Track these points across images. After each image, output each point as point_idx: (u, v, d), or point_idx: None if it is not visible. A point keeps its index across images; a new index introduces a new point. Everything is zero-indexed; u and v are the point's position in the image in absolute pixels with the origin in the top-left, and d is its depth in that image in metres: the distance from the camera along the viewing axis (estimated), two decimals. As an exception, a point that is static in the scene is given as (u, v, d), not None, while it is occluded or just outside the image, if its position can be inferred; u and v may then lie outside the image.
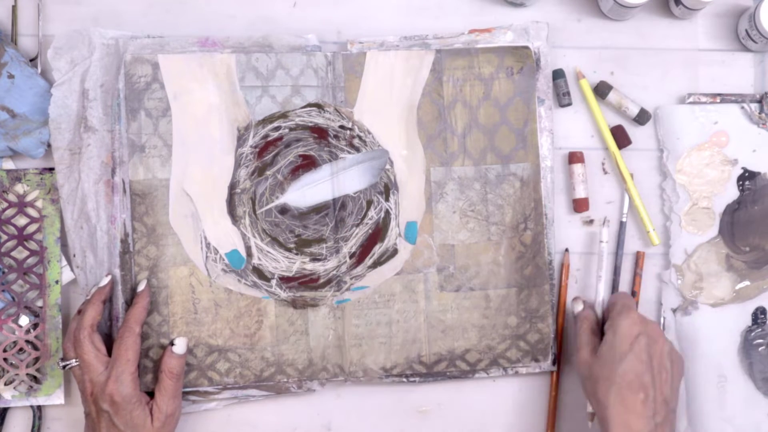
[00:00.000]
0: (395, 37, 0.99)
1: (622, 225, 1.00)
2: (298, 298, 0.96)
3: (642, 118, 1.01)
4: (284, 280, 0.96)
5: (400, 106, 0.98)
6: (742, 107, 1.00)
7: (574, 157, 1.00)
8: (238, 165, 0.96)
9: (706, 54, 1.02)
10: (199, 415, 0.98)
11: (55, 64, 0.95)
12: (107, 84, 0.95)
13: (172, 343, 0.92)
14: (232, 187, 0.96)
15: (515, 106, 0.99)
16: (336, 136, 0.97)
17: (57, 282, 0.96)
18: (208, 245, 0.95)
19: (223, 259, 0.95)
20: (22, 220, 0.96)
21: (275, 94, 0.97)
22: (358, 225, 0.97)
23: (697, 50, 1.02)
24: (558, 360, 0.99)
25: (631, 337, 0.88)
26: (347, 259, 0.97)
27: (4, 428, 0.97)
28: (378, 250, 0.97)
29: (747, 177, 1.00)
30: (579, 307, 0.95)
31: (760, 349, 1.00)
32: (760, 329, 1.00)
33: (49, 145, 0.96)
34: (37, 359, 0.95)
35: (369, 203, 0.97)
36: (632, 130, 1.01)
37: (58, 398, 0.96)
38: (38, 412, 0.97)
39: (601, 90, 1.00)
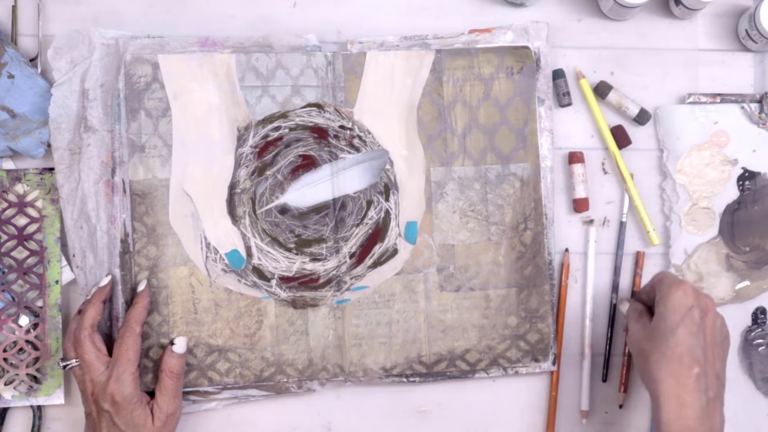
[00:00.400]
0: (395, 37, 0.99)
1: (622, 225, 1.01)
2: (298, 298, 0.96)
3: (642, 118, 1.01)
4: (284, 280, 0.96)
5: (400, 106, 0.98)
6: (742, 107, 1.00)
7: (574, 157, 1.00)
8: (238, 165, 0.96)
9: (706, 54, 1.03)
10: (199, 415, 0.98)
11: (55, 64, 0.95)
12: (107, 84, 0.95)
13: (172, 343, 0.92)
14: (232, 187, 0.96)
15: (515, 106, 0.99)
16: (336, 136, 0.97)
17: (57, 282, 0.96)
18: (208, 245, 0.95)
19: (223, 259, 0.95)
20: (22, 220, 0.96)
21: (275, 94, 0.97)
22: (358, 225, 0.97)
23: (697, 50, 1.02)
24: (558, 360, 0.99)
25: (683, 309, 0.86)
26: (347, 259, 0.97)
27: (4, 428, 0.97)
28: (378, 250, 0.97)
29: (747, 177, 1.00)
30: (626, 306, 0.95)
31: (760, 349, 1.00)
32: (760, 329, 1.00)
33: (49, 145, 0.96)
34: (37, 359, 0.95)
35: (369, 203, 0.97)
36: (632, 130, 1.01)
37: (58, 398, 0.96)
38: (38, 412, 0.97)
39: (601, 90, 1.00)
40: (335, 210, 0.97)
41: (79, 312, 0.92)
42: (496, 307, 0.98)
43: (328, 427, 0.99)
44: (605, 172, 1.01)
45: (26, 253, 0.96)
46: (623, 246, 1.00)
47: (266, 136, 0.96)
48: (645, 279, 1.00)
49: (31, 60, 0.98)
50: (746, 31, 1.00)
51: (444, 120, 0.98)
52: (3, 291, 0.96)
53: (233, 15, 1.00)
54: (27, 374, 0.95)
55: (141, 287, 0.93)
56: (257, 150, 0.96)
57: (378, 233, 0.97)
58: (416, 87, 0.98)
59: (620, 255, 1.00)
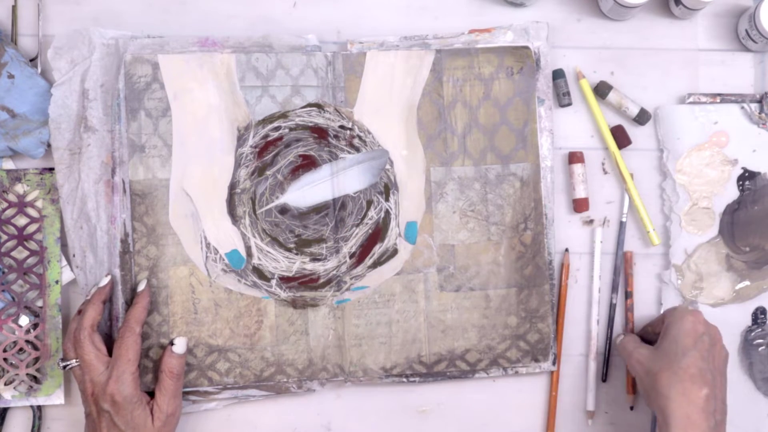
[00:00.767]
0: (395, 37, 0.99)
1: (622, 225, 1.01)
2: (298, 298, 0.96)
3: (642, 118, 1.01)
4: (284, 280, 0.96)
5: (400, 106, 0.98)
6: (742, 107, 1.00)
7: (574, 157, 1.00)
8: (238, 165, 0.96)
9: (706, 54, 1.02)
10: (199, 415, 0.98)
11: (55, 64, 0.95)
12: (107, 84, 0.95)
13: (171, 343, 0.92)
14: (232, 187, 0.96)
15: (515, 106, 0.99)
16: (336, 136, 0.97)
17: (57, 282, 0.96)
18: (208, 245, 0.95)
19: (223, 259, 0.95)
20: (22, 220, 0.96)
21: (275, 94, 0.97)
22: (358, 225, 0.97)
23: (697, 50, 1.02)
24: (558, 360, 0.99)
25: (695, 334, 0.89)
26: (347, 259, 0.97)
27: (4, 428, 0.97)
28: (378, 250, 0.97)
29: (747, 177, 1.00)
30: (620, 338, 0.97)
31: (760, 349, 1.00)
32: (760, 329, 1.00)
33: (49, 145, 0.96)
34: (37, 359, 0.95)
35: (369, 203, 0.97)
36: (632, 130, 1.01)
37: (58, 398, 0.96)
38: (38, 412, 0.97)
39: (601, 90, 1.00)
40: (335, 210, 0.97)
41: (79, 312, 0.92)
42: (496, 307, 0.98)
43: (328, 427, 0.99)
44: (605, 172, 1.01)
45: (26, 253, 0.96)
46: (623, 246, 1.00)
47: (266, 136, 0.96)
48: (645, 279, 1.00)
49: (31, 60, 0.98)
50: (746, 31, 1.00)
51: (444, 120, 0.98)
52: (3, 291, 0.96)
53: (233, 15, 1.00)
54: (27, 374, 0.95)
55: (141, 287, 0.93)
56: (257, 150, 0.96)
57: (378, 233, 0.97)
58: (416, 87, 0.98)
59: (620, 255, 1.00)
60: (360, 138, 0.97)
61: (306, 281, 0.96)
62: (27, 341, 0.95)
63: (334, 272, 0.96)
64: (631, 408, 0.99)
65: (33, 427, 0.97)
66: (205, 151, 0.95)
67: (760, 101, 1.00)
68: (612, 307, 1.00)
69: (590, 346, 1.00)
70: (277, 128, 0.97)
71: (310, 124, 0.97)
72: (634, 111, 1.00)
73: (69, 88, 0.95)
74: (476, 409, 1.00)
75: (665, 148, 1.00)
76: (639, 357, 0.91)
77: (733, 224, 1.00)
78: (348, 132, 0.97)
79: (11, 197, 0.96)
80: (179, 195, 0.95)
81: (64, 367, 0.91)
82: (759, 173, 1.00)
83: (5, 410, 0.97)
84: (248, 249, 0.96)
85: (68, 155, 0.95)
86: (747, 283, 1.00)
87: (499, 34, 1.00)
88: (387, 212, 0.97)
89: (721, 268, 1.00)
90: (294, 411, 0.99)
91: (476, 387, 0.99)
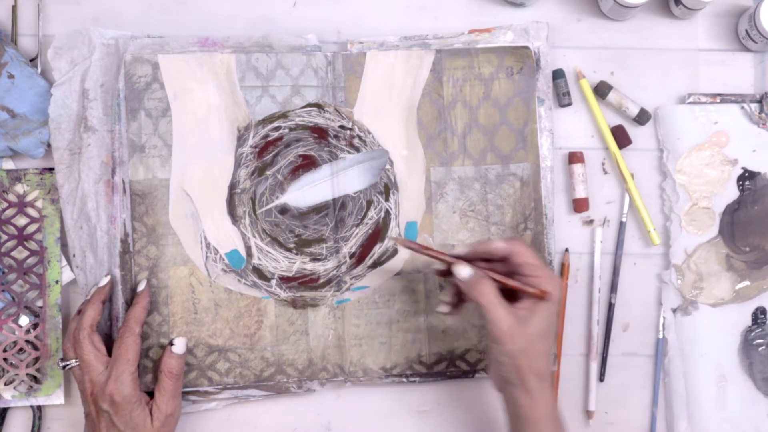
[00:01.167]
0: (395, 37, 0.99)
1: (622, 225, 1.01)
2: (298, 298, 0.96)
3: (642, 118, 1.01)
4: (284, 280, 0.96)
5: (400, 106, 0.98)
6: (742, 107, 1.00)
7: (574, 157, 1.00)
8: (238, 165, 0.96)
9: (706, 54, 1.02)
10: (199, 415, 0.98)
11: (55, 64, 0.95)
12: (107, 84, 0.95)
13: (171, 343, 0.92)
14: (232, 187, 0.96)
15: (515, 106, 0.99)
16: (336, 136, 0.97)
17: (57, 282, 0.96)
18: (208, 245, 0.95)
19: (223, 259, 0.95)
20: (22, 220, 0.96)
21: (275, 94, 0.97)
22: (358, 225, 0.97)
23: (697, 50, 1.02)
24: (558, 360, 0.99)
25: (557, 312, 0.88)
26: (347, 259, 0.97)
27: (4, 428, 0.97)
28: (378, 250, 0.97)
29: (747, 177, 1.00)
30: (467, 271, 0.86)
31: (760, 349, 1.00)
32: (760, 329, 1.00)
33: (49, 145, 0.96)
34: (37, 359, 0.95)
35: (369, 203, 0.97)
36: (632, 130, 1.01)
37: (58, 398, 0.96)
38: (38, 412, 0.97)
39: (601, 90, 1.00)
40: (335, 210, 0.97)
41: (79, 312, 0.92)
42: (496, 307, 0.98)
43: (328, 427, 0.99)
44: (605, 172, 1.01)
45: (26, 253, 0.96)
46: (623, 246, 1.00)
47: (266, 136, 0.96)
48: (645, 279, 1.00)
49: (31, 60, 0.98)
50: (746, 31, 1.00)
51: (444, 120, 0.98)
52: (3, 291, 0.96)
53: (233, 15, 1.00)
54: (27, 374, 0.95)
55: (141, 287, 0.93)
56: (257, 150, 0.96)
57: (378, 233, 0.97)
58: (416, 87, 0.98)
59: (620, 255, 1.00)
60: (360, 138, 0.97)
61: (306, 281, 0.96)
62: (27, 341, 0.95)
63: (334, 272, 0.96)
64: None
65: (33, 427, 0.97)
66: (205, 151, 0.95)
67: (760, 101, 1.00)
68: (612, 307, 1.00)
69: (590, 346, 1.00)
70: (277, 128, 0.97)
71: (310, 124, 0.97)
72: (634, 111, 1.00)
73: (69, 88, 0.95)
74: (476, 409, 1.00)
75: (665, 148, 1.00)
76: (504, 325, 0.83)
77: (733, 224, 1.00)
78: (348, 132, 0.97)
79: (11, 197, 0.96)
80: (179, 195, 0.95)
81: (64, 367, 0.91)
82: (759, 173, 1.00)
83: (5, 410, 0.97)
84: (248, 249, 0.96)
85: (68, 155, 0.95)
86: (747, 283, 1.00)
87: (499, 34, 1.00)
88: (387, 212, 0.97)
89: (721, 268, 1.00)
90: (294, 411, 0.99)
91: (476, 387, 0.99)
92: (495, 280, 0.85)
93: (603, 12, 1.01)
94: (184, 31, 0.99)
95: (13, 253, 0.96)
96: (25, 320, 0.96)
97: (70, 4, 0.99)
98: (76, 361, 0.91)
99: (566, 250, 1.00)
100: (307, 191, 0.96)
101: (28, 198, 0.96)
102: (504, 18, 1.01)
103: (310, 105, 0.97)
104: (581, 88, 1.01)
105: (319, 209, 0.96)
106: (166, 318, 0.94)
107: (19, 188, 0.96)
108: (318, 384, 0.97)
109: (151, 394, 0.91)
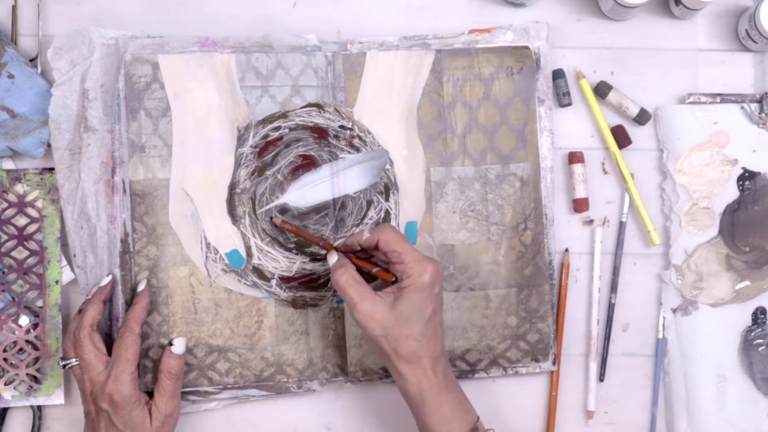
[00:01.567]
0: (395, 37, 0.99)
1: (622, 225, 1.01)
2: (298, 298, 0.96)
3: (642, 118, 1.01)
4: (284, 280, 0.96)
5: (400, 106, 0.98)
6: (742, 107, 1.00)
7: (574, 157, 1.00)
8: (238, 165, 0.96)
9: (706, 54, 1.02)
10: (199, 415, 0.98)
11: (55, 64, 0.95)
12: (107, 84, 0.95)
13: (170, 343, 0.92)
14: (232, 187, 0.96)
15: (515, 106, 0.99)
16: (336, 136, 0.97)
17: (57, 282, 0.96)
18: (208, 245, 0.95)
19: (223, 259, 0.95)
20: (22, 220, 0.96)
21: (275, 94, 0.97)
22: (358, 225, 0.97)
23: (697, 50, 1.02)
24: (558, 360, 0.99)
25: (433, 295, 0.86)
26: (347, 259, 0.97)
27: (4, 428, 0.97)
28: (378, 250, 0.97)
29: (747, 177, 1.00)
30: (334, 259, 0.90)
31: (760, 349, 1.00)
32: (760, 329, 1.00)
33: (49, 145, 0.96)
34: (37, 359, 0.95)
35: (369, 203, 0.97)
36: (632, 130, 1.01)
37: (58, 398, 0.96)
38: (38, 412, 0.97)
39: (601, 90, 1.00)
40: (335, 210, 0.97)
41: (79, 312, 0.92)
42: (496, 307, 0.98)
43: (328, 427, 0.99)
44: (605, 172, 1.01)
45: (26, 253, 0.96)
46: (623, 246, 1.00)
47: (266, 136, 0.96)
48: (645, 279, 1.00)
49: (31, 60, 0.98)
50: (746, 31, 1.00)
51: (444, 120, 0.98)
52: (3, 291, 0.96)
53: (233, 15, 1.00)
54: (27, 374, 0.95)
55: (141, 287, 0.93)
56: (257, 150, 0.96)
57: (378, 233, 0.97)
58: (416, 87, 0.98)
59: (620, 255, 1.00)
60: (360, 138, 0.97)
61: (306, 281, 0.96)
62: (27, 341, 0.95)
63: (334, 272, 0.96)
64: None
65: (33, 427, 0.97)
66: (205, 151, 0.95)
67: (760, 101, 1.00)
68: (612, 307, 1.00)
69: (590, 346, 1.00)
70: (277, 128, 0.97)
71: (310, 124, 0.97)
72: (634, 111, 1.00)
73: (69, 88, 0.95)
74: (476, 409, 1.00)
75: (665, 148, 1.00)
76: (374, 313, 0.85)
77: (733, 224, 1.00)
78: (348, 132, 0.97)
79: (11, 197, 0.96)
80: (179, 195, 0.95)
81: (64, 366, 0.91)
82: (759, 173, 1.00)
83: (5, 410, 0.97)
84: (248, 249, 0.96)
85: (68, 155, 0.95)
86: (747, 283, 1.00)
87: (499, 34, 1.00)
88: (387, 212, 0.97)
89: (721, 268, 1.00)
90: (294, 411, 0.99)
91: (476, 387, 0.99)
92: (357, 266, 0.89)
93: (603, 12, 1.01)
94: (184, 31, 0.99)
95: (13, 253, 0.96)
96: (25, 320, 0.96)
97: (70, 4, 0.99)
98: (76, 361, 0.91)
99: (566, 250, 1.00)
100: (307, 191, 0.96)
101: (28, 198, 0.96)
102: (504, 18, 1.01)
103: (310, 105, 0.97)
104: (581, 88, 1.01)
105: (319, 209, 0.96)
106: (166, 318, 0.94)
107: (19, 188, 0.96)
108: (318, 384, 0.97)
109: (150, 394, 0.91)
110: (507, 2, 1.01)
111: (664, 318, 1.00)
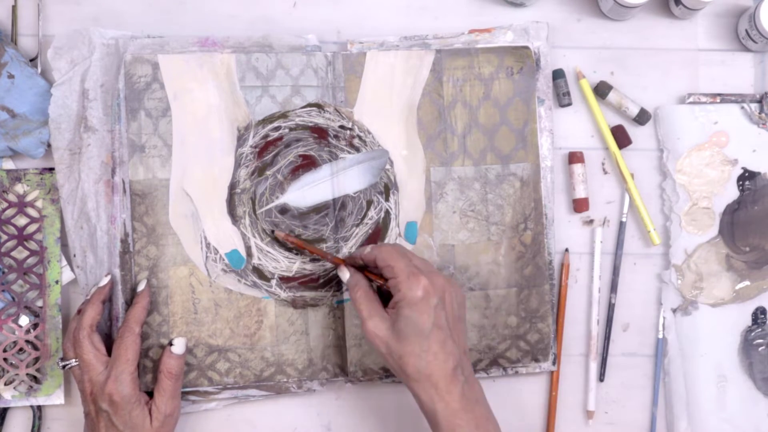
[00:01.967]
0: (395, 37, 0.99)
1: (622, 225, 1.01)
2: (298, 298, 0.96)
3: (642, 118, 1.01)
4: (284, 280, 0.96)
5: (400, 106, 0.98)
6: (742, 107, 1.00)
7: (574, 157, 1.00)
8: (238, 165, 0.96)
9: (706, 54, 1.02)
10: (199, 415, 0.98)
11: (55, 64, 0.95)
12: (107, 84, 0.95)
13: (170, 343, 0.92)
14: (232, 187, 0.96)
15: (515, 106, 0.99)
16: (336, 136, 0.97)
17: (57, 282, 0.96)
18: (208, 245, 0.95)
19: (223, 259, 0.95)
20: (22, 220, 0.96)
21: (275, 94, 0.97)
22: (358, 225, 0.97)
23: (697, 50, 1.02)
24: (558, 360, 0.99)
25: (428, 307, 0.84)
26: (347, 259, 0.97)
27: (4, 428, 0.97)
28: (378, 250, 0.97)
29: (747, 177, 1.00)
30: (346, 275, 0.91)
31: (760, 349, 1.00)
32: (760, 329, 1.00)
33: (49, 145, 0.96)
34: (37, 359, 0.95)
35: (369, 203, 0.97)
36: (632, 130, 1.01)
37: (58, 398, 0.96)
38: (38, 412, 0.97)
39: (601, 90, 1.00)
40: (335, 210, 0.97)
41: (79, 312, 0.92)
42: (496, 307, 0.98)
43: (328, 427, 0.99)
44: (605, 172, 1.01)
45: (26, 253, 0.96)
46: (623, 246, 1.00)
47: (266, 136, 0.96)
48: (645, 279, 1.00)
49: (31, 60, 0.98)
50: (746, 31, 1.00)
51: (444, 120, 0.98)
52: (3, 291, 0.96)
53: (233, 15, 1.00)
54: (27, 374, 0.95)
55: (141, 287, 0.93)
56: (257, 150, 0.96)
57: (378, 233, 0.97)
58: (416, 87, 0.98)
59: (620, 255, 1.00)
60: (360, 138, 0.97)
61: (306, 281, 0.96)
62: (27, 341, 0.95)
63: (334, 272, 0.96)
64: None
65: (33, 427, 0.97)
66: (205, 151, 0.95)
67: (760, 101, 1.00)
68: (612, 307, 1.00)
69: (590, 346, 1.00)
70: (277, 128, 0.97)
71: (310, 124, 0.97)
72: (634, 111, 1.00)
73: (69, 88, 0.95)
74: (476, 409, 1.00)
75: (665, 148, 1.00)
76: (377, 331, 0.85)
77: (733, 224, 1.00)
78: (348, 132, 0.97)
79: (11, 197, 0.96)
80: (179, 195, 0.95)
81: (64, 366, 0.91)
82: (759, 173, 1.00)
83: (5, 410, 0.97)
84: (248, 249, 0.96)
85: (68, 155, 0.95)
86: (747, 283, 1.00)
87: (499, 34, 1.00)
88: (387, 212, 0.97)
89: (721, 268, 1.00)
90: (294, 411, 0.99)
91: (476, 387, 0.99)
92: (370, 281, 0.90)
93: (603, 12, 1.01)
94: (184, 31, 0.99)
95: (13, 253, 0.96)
96: (25, 320, 0.96)
97: (70, 4, 0.99)
98: (75, 361, 0.91)
99: (566, 250, 1.00)
100: (307, 191, 0.96)
101: (28, 198, 0.96)
102: (504, 18, 1.01)
103: (310, 105, 0.97)
104: (581, 88, 1.01)
105: (319, 209, 0.96)
106: (166, 318, 0.94)
107: (19, 188, 0.96)
108: (318, 384, 0.97)
109: (150, 394, 0.91)
110: (507, 2, 1.01)
111: (664, 318, 1.00)
